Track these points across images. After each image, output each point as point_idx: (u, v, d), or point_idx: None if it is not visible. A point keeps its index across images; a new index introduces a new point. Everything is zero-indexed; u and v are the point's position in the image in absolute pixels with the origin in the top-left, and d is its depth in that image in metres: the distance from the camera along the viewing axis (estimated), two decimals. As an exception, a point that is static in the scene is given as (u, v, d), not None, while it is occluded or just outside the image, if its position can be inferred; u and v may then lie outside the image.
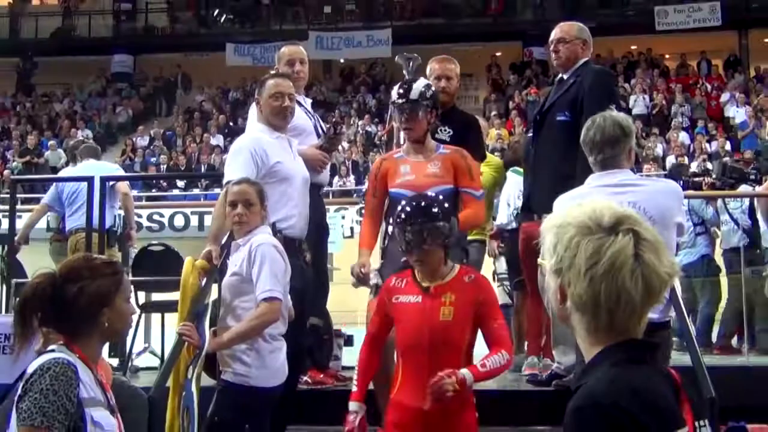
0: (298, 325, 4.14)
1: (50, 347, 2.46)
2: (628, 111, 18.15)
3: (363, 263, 4.14)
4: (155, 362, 6.29)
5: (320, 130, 5.05)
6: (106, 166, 7.22)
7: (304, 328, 4.51)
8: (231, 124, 21.95)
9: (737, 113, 19.18)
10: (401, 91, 4.19)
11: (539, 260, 1.66)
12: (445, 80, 5.03)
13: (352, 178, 19.83)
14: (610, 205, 1.61)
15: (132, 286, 6.12)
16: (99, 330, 2.48)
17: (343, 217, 11.69)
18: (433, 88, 4.31)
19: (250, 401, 3.71)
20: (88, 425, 2.35)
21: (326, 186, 5.42)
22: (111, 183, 6.54)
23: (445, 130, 4.67)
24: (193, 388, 3.69)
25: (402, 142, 4.50)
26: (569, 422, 1.50)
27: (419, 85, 4.23)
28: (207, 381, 4.34)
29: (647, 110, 20.14)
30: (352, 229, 5.49)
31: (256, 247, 3.76)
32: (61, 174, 8.88)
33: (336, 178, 19.39)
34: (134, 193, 19.16)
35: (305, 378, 4.90)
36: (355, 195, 17.31)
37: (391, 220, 3.61)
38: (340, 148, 19.23)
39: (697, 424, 1.58)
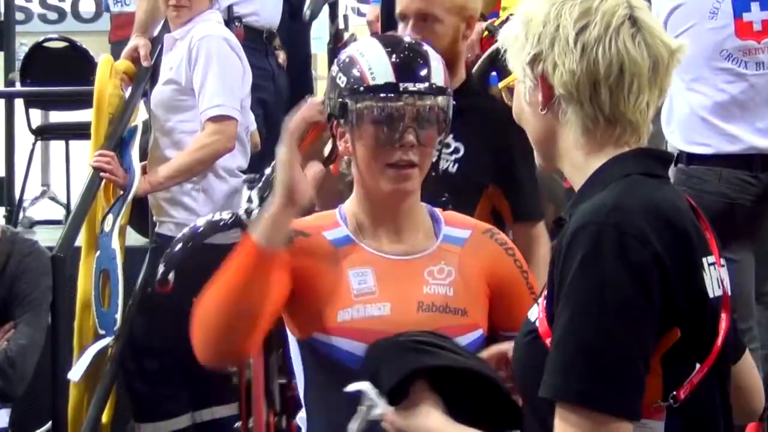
0: (269, 162, 4.24)
1: None
2: None
3: None
4: (58, 213, 6.44)
5: None
6: None
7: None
8: None
9: None
10: (402, 61, 2.43)
11: (499, 85, 1.78)
12: (422, 21, 3.22)
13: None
14: None
15: (18, 101, 6.23)
16: None
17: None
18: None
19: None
20: None
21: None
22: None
23: (447, 146, 3.21)
24: (115, 245, 3.78)
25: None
26: (564, 251, 1.64)
27: (437, 58, 2.52)
28: (135, 239, 4.49)
29: None
30: (346, 17, 5.41)
31: (198, 42, 3.81)
32: None
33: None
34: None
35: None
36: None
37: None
38: None
39: (723, 260, 1.77)
